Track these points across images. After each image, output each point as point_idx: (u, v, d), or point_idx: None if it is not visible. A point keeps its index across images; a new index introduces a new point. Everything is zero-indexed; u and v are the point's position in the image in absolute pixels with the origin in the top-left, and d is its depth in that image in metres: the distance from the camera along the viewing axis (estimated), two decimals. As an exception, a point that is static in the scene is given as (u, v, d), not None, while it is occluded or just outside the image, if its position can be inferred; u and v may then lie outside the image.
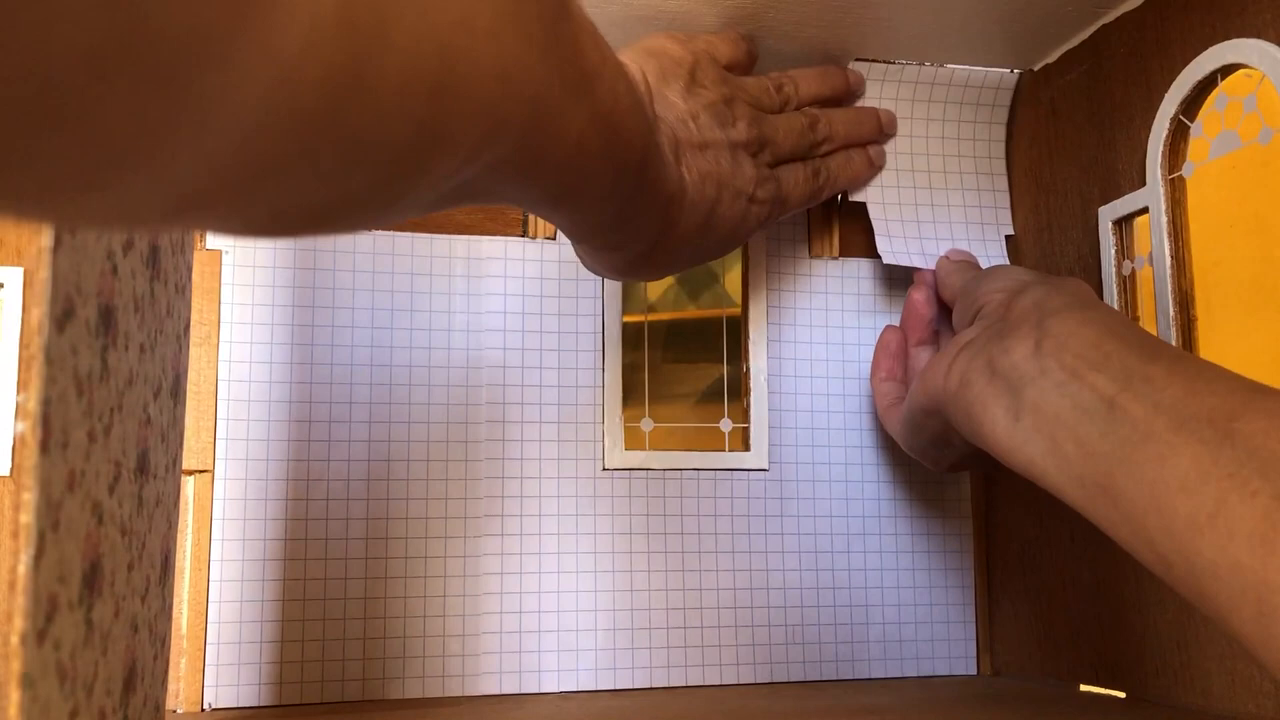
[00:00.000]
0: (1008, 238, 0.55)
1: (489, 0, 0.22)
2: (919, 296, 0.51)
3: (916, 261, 0.53)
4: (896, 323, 0.53)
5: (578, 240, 0.38)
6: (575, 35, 0.28)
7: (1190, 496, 0.29)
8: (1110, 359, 0.34)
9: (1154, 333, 0.44)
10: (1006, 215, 0.55)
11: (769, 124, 0.47)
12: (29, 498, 0.23)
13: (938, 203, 0.54)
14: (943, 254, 0.53)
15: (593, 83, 0.29)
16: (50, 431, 0.24)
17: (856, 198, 0.54)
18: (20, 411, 0.24)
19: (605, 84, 0.30)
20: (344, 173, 0.20)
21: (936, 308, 0.51)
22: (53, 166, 0.14)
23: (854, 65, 0.53)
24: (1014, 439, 0.36)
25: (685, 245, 0.41)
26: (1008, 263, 0.54)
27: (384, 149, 0.20)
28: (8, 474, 0.51)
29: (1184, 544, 0.29)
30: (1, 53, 0.11)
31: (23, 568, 0.23)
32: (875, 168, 0.54)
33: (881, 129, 0.53)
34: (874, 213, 0.53)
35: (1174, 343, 0.43)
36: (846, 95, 0.53)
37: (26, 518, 0.23)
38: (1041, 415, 0.35)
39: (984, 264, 0.54)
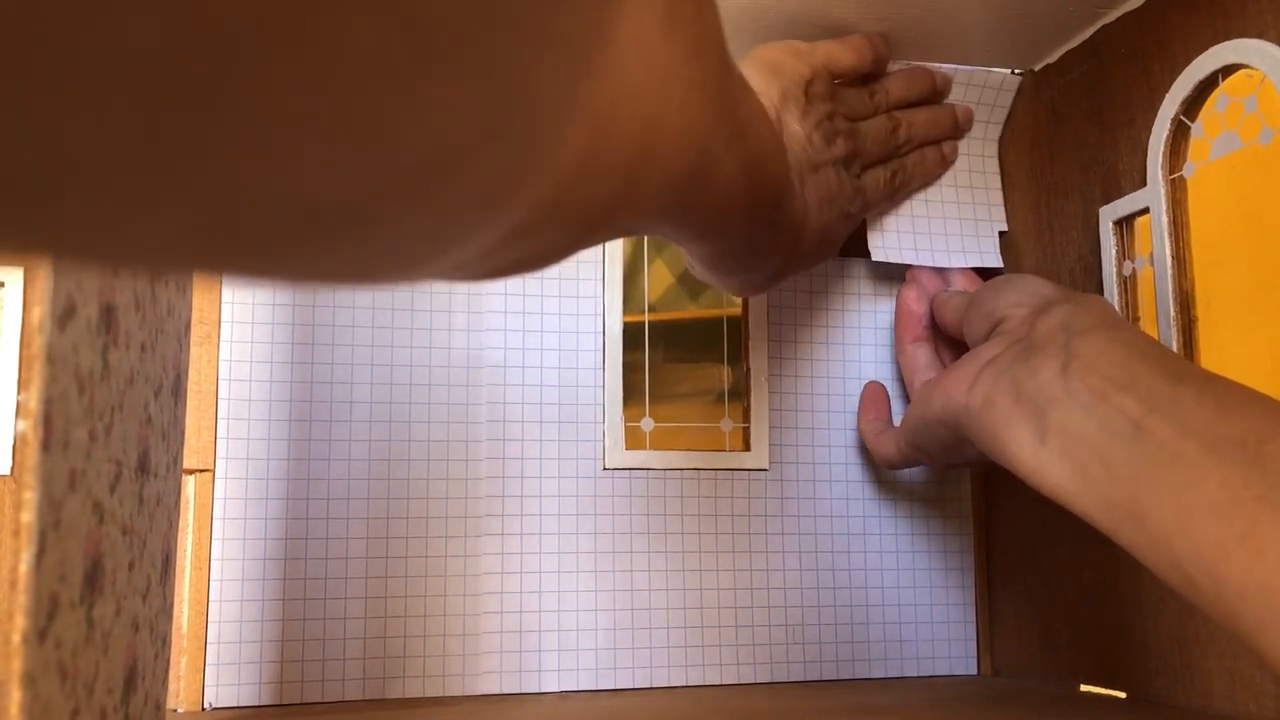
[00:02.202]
0: (1001, 234, 0.55)
1: (681, 73, 0.23)
2: (910, 294, 0.52)
3: (908, 258, 0.53)
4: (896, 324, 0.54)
5: (710, 266, 0.40)
6: (733, 89, 0.29)
7: (1219, 519, 0.29)
8: (1138, 381, 0.33)
9: (1155, 333, 0.44)
10: (1000, 212, 0.56)
11: (860, 135, 0.48)
12: (31, 496, 0.23)
13: (931, 198, 0.55)
14: (933, 266, 0.53)
15: (744, 130, 0.31)
16: (52, 430, 0.24)
17: None
18: (22, 410, 0.24)
19: (753, 130, 0.32)
20: (552, 237, 0.22)
21: (928, 304, 0.51)
22: (360, 260, 0.15)
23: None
24: (1040, 461, 0.35)
25: (802, 263, 0.44)
26: (1000, 259, 0.55)
27: (588, 214, 0.22)
28: (8, 473, 0.51)
29: (1212, 567, 0.29)
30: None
31: (24, 566, 0.23)
32: (948, 163, 0.55)
33: (958, 125, 0.54)
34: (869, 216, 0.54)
35: (1175, 343, 0.43)
36: (932, 96, 0.53)
37: (28, 516, 0.23)
38: (1068, 438, 0.34)
39: (978, 260, 0.54)
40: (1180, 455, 0.31)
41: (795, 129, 0.43)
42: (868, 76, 0.50)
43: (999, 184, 0.56)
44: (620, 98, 0.20)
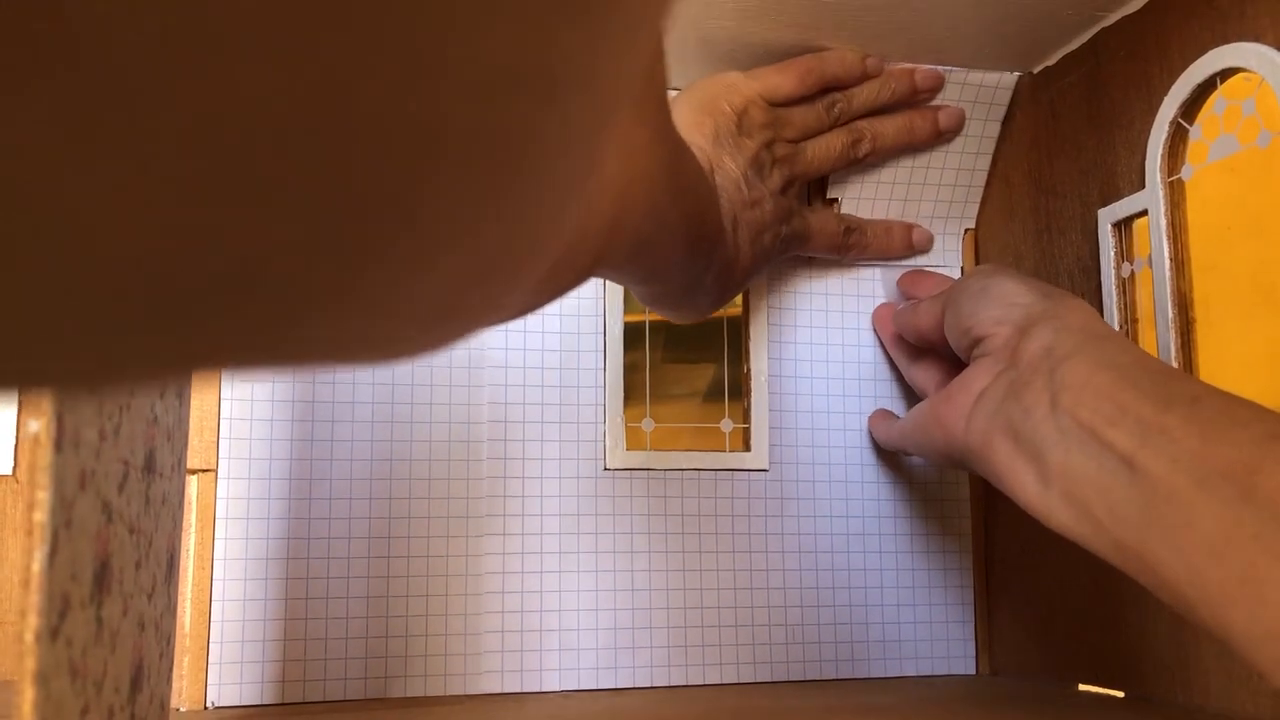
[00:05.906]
0: (966, 231, 0.57)
1: (646, 151, 0.26)
2: (885, 313, 0.54)
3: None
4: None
5: (652, 302, 0.41)
6: (681, 155, 0.31)
7: (1219, 563, 0.28)
8: (1126, 411, 0.33)
9: (1153, 335, 0.44)
10: (974, 210, 0.56)
11: (804, 158, 0.48)
12: (44, 496, 0.23)
13: (910, 197, 0.55)
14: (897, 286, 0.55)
15: (685, 188, 0.32)
16: (64, 430, 0.24)
17: (832, 194, 0.54)
18: (34, 410, 0.24)
19: (692, 187, 0.34)
20: (546, 293, 0.25)
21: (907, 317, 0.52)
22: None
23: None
24: (1048, 505, 0.35)
25: (738, 290, 0.46)
26: (960, 257, 0.56)
27: (574, 274, 0.25)
28: (9, 473, 0.51)
29: (1221, 613, 0.28)
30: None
31: (37, 565, 0.23)
32: (915, 250, 0.55)
33: (938, 130, 0.53)
34: (845, 209, 0.55)
35: (1173, 345, 0.43)
36: (912, 98, 0.52)
37: (41, 516, 0.23)
38: (1069, 480, 0.34)
39: (940, 259, 0.55)
40: (1174, 493, 0.30)
41: (730, 168, 0.43)
42: (831, 88, 0.50)
43: (982, 182, 0.56)
44: (605, 181, 0.23)
